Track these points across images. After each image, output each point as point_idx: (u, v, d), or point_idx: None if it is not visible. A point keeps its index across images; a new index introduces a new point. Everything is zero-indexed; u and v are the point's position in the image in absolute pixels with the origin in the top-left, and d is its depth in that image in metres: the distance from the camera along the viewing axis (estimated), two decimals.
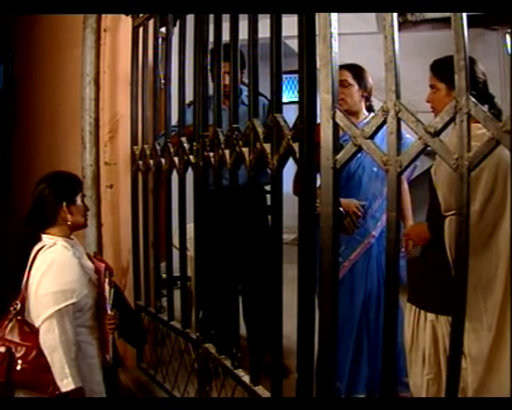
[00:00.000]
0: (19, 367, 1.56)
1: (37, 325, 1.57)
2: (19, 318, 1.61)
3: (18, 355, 1.57)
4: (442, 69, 1.69)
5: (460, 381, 1.64)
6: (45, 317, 1.55)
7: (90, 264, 1.74)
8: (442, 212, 1.68)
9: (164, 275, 2.35)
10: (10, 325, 1.61)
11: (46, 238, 1.68)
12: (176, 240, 2.20)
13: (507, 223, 1.57)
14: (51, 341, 1.54)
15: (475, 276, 1.59)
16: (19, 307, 1.62)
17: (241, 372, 1.71)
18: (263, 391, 1.59)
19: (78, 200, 1.71)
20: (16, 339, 1.58)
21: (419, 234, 1.79)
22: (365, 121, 2.00)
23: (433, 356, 1.74)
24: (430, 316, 1.74)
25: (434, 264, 1.72)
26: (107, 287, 1.72)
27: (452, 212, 1.54)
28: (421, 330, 1.79)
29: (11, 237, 3.13)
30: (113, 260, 2.61)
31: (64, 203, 1.67)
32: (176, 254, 2.20)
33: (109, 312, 1.71)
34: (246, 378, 1.66)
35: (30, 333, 1.58)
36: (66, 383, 1.53)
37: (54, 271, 1.60)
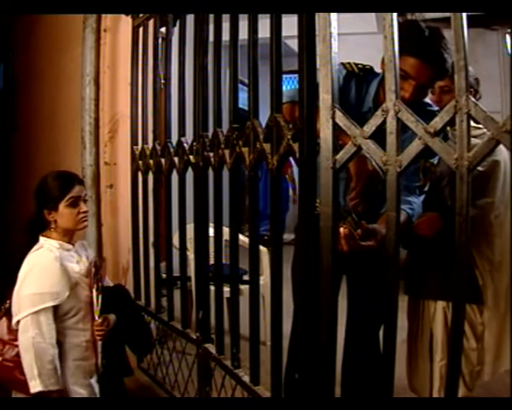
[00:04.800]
0: None
1: (13, 323, 1.60)
2: (9, 316, 1.64)
3: (2, 352, 1.60)
4: None
5: (469, 364, 1.84)
6: (21, 317, 1.58)
7: (79, 268, 1.72)
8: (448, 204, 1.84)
9: (164, 275, 2.35)
10: (0, 322, 1.65)
11: (42, 239, 1.70)
12: (176, 240, 2.20)
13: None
14: (24, 341, 1.56)
15: (488, 262, 1.82)
16: (8, 305, 1.65)
17: (240, 372, 1.71)
18: (263, 391, 1.59)
19: (62, 206, 1.67)
20: (5, 337, 1.63)
21: (431, 224, 1.82)
22: None
23: (446, 343, 1.85)
24: (441, 303, 1.86)
25: (447, 253, 1.81)
26: (94, 293, 1.71)
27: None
28: (427, 320, 1.88)
29: (11, 237, 3.13)
30: (113, 260, 2.62)
31: (45, 211, 1.68)
32: (176, 254, 2.20)
33: (96, 318, 1.70)
34: (246, 378, 1.66)
35: (17, 331, 1.61)
36: (33, 384, 1.54)
37: (34, 273, 1.62)
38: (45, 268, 1.63)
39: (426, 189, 1.83)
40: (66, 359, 1.64)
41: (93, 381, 1.73)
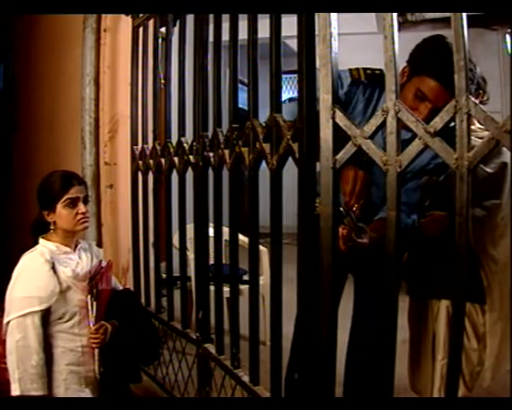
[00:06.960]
0: None
1: (3, 324, 1.60)
2: None
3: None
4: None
5: (469, 364, 1.83)
6: (8, 320, 1.58)
7: (74, 271, 1.69)
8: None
9: (164, 275, 2.35)
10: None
11: (40, 242, 1.71)
12: (176, 240, 2.20)
13: None
14: (9, 343, 1.56)
15: (493, 262, 1.80)
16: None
17: (240, 372, 1.71)
18: (262, 391, 1.59)
19: (59, 206, 1.67)
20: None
21: (437, 224, 1.81)
22: None
23: (448, 342, 1.82)
24: (445, 303, 1.85)
25: (451, 252, 1.83)
26: (88, 300, 1.69)
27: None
28: (430, 321, 1.89)
29: (11, 237, 3.13)
30: (113, 260, 2.61)
31: (44, 212, 1.69)
32: (176, 254, 2.20)
33: (91, 325, 1.69)
34: (245, 378, 1.66)
35: None
36: (13, 388, 1.54)
37: (23, 277, 1.62)
38: (34, 272, 1.62)
39: (427, 204, 1.82)
40: (58, 363, 1.63)
41: (89, 390, 1.71)
